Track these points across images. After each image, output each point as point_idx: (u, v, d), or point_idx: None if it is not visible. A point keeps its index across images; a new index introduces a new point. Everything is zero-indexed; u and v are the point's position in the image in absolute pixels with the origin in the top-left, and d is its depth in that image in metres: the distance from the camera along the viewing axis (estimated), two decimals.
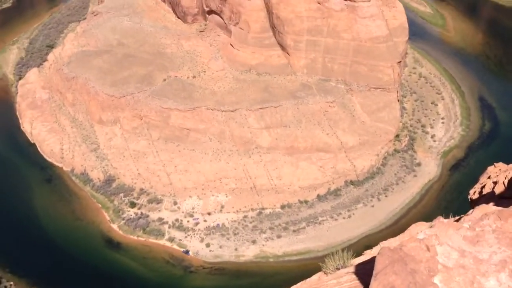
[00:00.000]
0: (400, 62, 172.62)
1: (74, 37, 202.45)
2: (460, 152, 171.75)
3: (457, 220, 14.50)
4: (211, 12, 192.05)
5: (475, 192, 25.05)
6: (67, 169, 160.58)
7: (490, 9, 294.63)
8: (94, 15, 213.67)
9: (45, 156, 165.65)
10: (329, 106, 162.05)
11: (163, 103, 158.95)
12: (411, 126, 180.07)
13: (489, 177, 25.08)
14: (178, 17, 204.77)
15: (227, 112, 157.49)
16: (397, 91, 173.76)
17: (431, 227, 11.98)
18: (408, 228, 21.73)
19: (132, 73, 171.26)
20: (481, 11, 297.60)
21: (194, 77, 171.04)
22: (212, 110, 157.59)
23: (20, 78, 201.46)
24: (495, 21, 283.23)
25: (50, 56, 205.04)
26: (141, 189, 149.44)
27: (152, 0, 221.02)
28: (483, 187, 24.02)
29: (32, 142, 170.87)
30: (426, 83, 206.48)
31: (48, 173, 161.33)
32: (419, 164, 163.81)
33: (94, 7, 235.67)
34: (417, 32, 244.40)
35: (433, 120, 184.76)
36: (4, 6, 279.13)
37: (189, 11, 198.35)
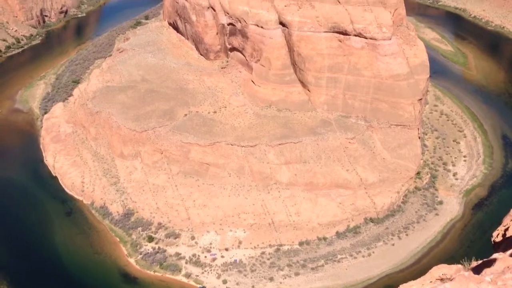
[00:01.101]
0: (421, 99, 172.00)
1: (99, 73, 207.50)
2: (483, 191, 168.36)
3: (477, 269, 14.06)
4: (233, 49, 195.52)
5: (498, 234, 24.39)
6: (87, 202, 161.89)
7: None
8: (120, 52, 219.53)
9: (66, 189, 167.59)
10: (349, 142, 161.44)
11: (184, 138, 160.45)
12: (432, 163, 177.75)
13: None
14: (201, 54, 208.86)
15: (246, 147, 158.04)
16: (418, 128, 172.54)
17: (451, 279, 11.60)
18: (430, 271, 21.18)
19: (154, 108, 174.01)
20: (503, 49, 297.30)
21: (215, 112, 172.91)
22: (232, 145, 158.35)
23: (45, 112, 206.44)
24: None
25: (76, 91, 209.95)
26: (159, 223, 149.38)
27: (176, 37, 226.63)
28: (506, 229, 23.40)
29: (54, 175, 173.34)
30: (448, 120, 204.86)
31: (68, 206, 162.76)
32: (440, 203, 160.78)
33: (119, 44, 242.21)
34: (439, 70, 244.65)
35: (455, 158, 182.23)
36: (33, 43, 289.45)
37: (212, 48, 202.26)
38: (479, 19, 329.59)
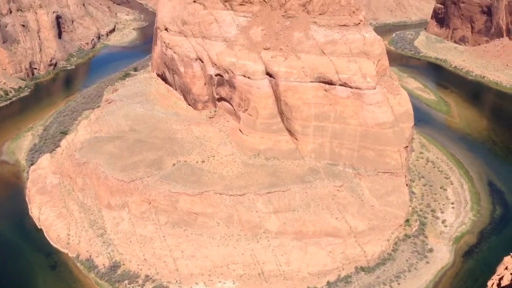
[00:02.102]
0: (407, 147, 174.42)
1: (87, 124, 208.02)
2: (472, 238, 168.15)
3: None
4: (221, 99, 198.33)
5: (493, 283, 24.40)
6: (73, 255, 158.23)
7: (493, 96, 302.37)
8: (108, 103, 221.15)
9: (51, 242, 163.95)
10: (337, 190, 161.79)
11: (172, 188, 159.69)
12: (421, 210, 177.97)
13: (506, 268, 24.63)
14: (189, 104, 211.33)
15: (235, 196, 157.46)
16: (405, 176, 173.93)
17: None
18: None
19: (142, 158, 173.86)
20: (484, 98, 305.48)
21: (203, 161, 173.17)
22: (220, 194, 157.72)
23: (32, 164, 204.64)
24: (499, 108, 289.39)
25: (63, 142, 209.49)
26: (147, 276, 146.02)
27: (164, 88, 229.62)
28: (501, 278, 23.43)
29: (39, 227, 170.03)
30: (434, 167, 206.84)
31: (53, 259, 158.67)
32: (431, 250, 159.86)
33: (108, 95, 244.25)
34: (423, 118, 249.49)
35: (443, 205, 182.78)
36: (22, 95, 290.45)
37: (200, 98, 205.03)
38: (460, 69, 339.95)
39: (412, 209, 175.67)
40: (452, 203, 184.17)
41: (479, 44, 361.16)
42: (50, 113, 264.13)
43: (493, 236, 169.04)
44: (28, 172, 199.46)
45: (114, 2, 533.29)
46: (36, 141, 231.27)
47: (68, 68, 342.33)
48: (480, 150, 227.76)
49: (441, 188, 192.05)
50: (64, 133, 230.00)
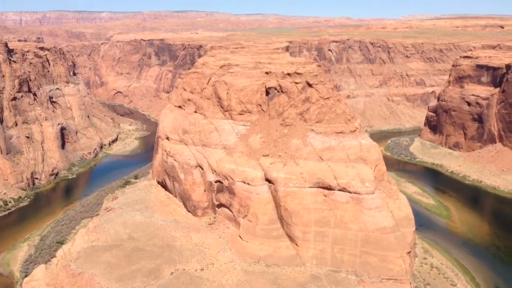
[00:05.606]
0: (410, 252, 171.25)
1: (85, 233, 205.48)
2: None
3: None
4: (220, 205, 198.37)
5: None
6: None
7: (492, 200, 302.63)
8: (107, 211, 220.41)
9: None
10: None
11: None
12: None
13: None
14: (189, 211, 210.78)
15: None
16: (410, 283, 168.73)
17: None
18: None
19: (140, 267, 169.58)
20: (483, 203, 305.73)
21: (202, 269, 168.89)
22: None
23: (26, 275, 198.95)
24: (499, 212, 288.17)
25: (59, 252, 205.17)
26: None
27: (164, 195, 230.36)
28: None
29: None
30: (439, 274, 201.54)
31: None
32: None
33: (108, 203, 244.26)
34: (424, 222, 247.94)
35: None
36: (21, 204, 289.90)
37: (200, 205, 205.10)
38: (456, 174, 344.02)
39: None
40: None
41: (473, 150, 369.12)
42: (48, 223, 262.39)
43: None
44: (21, 285, 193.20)
45: (118, 113, 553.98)
46: (31, 251, 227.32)
47: (69, 177, 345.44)
48: (484, 256, 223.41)
49: None
50: (61, 242, 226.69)
